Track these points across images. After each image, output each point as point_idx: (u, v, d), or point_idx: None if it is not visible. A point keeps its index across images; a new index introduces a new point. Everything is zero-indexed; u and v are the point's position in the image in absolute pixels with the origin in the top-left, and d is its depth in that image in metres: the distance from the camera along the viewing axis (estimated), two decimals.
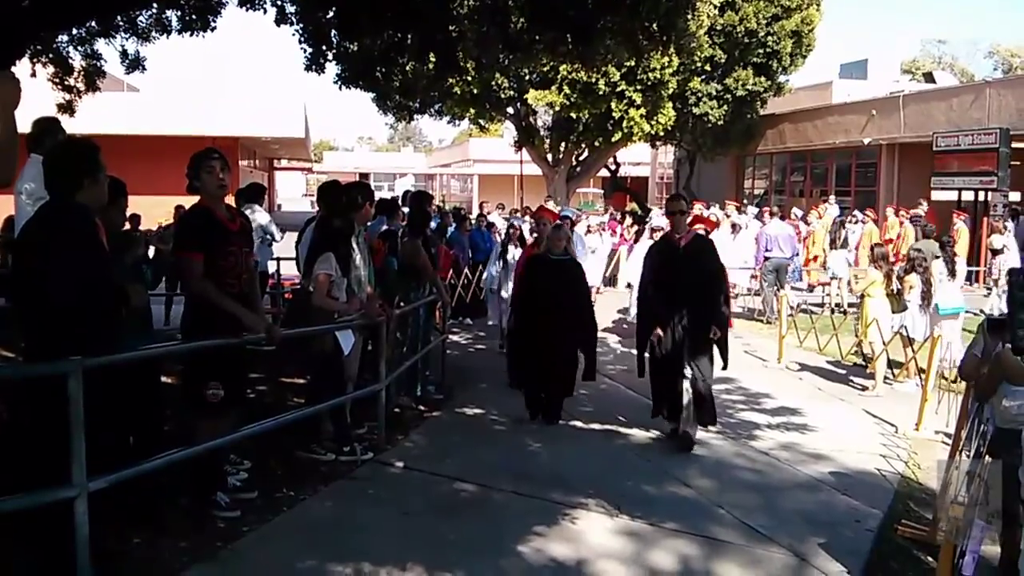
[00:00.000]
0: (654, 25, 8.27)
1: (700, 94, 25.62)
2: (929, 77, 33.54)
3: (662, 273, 7.39)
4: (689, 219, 7.88)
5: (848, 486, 6.27)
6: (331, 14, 9.06)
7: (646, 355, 7.70)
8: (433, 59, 10.21)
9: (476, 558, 4.77)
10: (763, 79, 25.92)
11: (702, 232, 8.54)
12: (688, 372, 7.16)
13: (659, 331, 7.24)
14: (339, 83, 12.60)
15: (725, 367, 7.66)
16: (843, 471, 6.65)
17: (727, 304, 7.79)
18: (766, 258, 15.04)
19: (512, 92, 25.70)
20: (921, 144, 23.13)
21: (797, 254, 16.53)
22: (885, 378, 9.79)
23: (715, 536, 5.23)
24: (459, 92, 23.79)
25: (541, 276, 7.98)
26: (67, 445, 3.65)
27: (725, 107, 25.95)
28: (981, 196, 21.32)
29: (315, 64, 10.09)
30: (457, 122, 29.60)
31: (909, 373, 9.88)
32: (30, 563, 4.00)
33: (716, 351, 7.40)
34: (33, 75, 9.65)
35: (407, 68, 11.39)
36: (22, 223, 5.69)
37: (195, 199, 5.12)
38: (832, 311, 14.62)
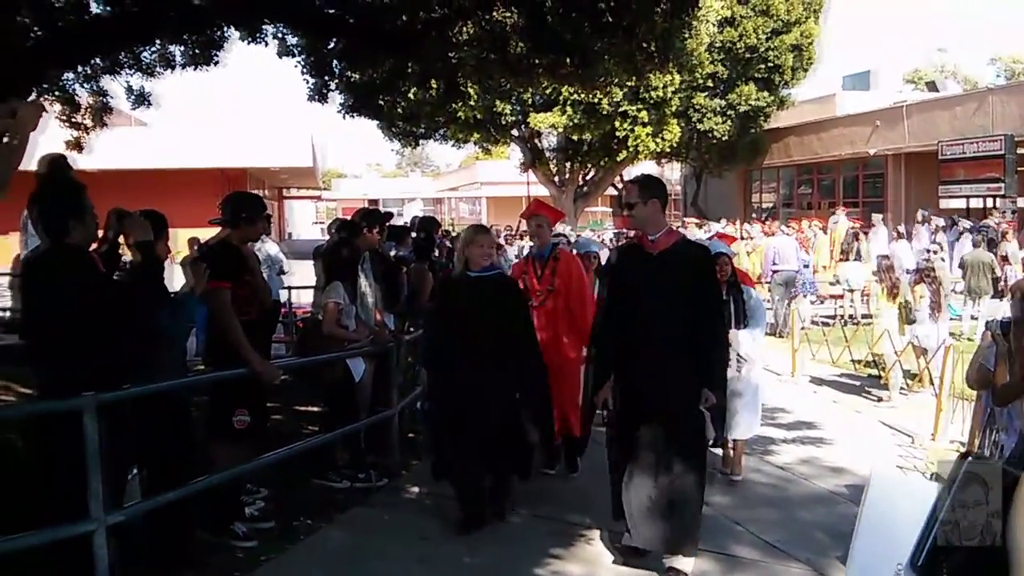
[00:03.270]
0: (652, 46, 8.30)
1: (704, 110, 25.72)
2: (932, 86, 33.54)
3: (622, 295, 4.96)
4: (691, 229, 6.54)
5: None
6: (332, 45, 9.14)
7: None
8: (435, 86, 10.29)
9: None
10: (766, 94, 26.03)
11: (711, 242, 7.27)
12: (658, 477, 4.75)
13: (606, 396, 4.93)
14: (343, 112, 12.70)
15: (716, 442, 5.60)
16: (861, 483, 6.55)
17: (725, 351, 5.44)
18: (774, 271, 15.02)
19: (516, 116, 25.82)
20: (927, 153, 23.16)
21: (807, 265, 16.50)
22: (900, 388, 9.75)
23: (732, 553, 5.22)
24: (463, 117, 23.94)
25: (454, 305, 5.48)
26: (84, 480, 3.67)
27: (730, 123, 26.04)
28: (989, 203, 21.28)
29: (318, 94, 10.17)
30: (461, 146, 29.74)
31: (924, 383, 9.84)
32: None
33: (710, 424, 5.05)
34: (43, 111, 9.74)
35: (410, 95, 11.48)
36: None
37: (210, 229, 5.20)
38: (845, 323, 14.58)
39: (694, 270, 4.88)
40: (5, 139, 3.36)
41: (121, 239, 5.03)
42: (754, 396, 6.68)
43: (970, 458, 1.38)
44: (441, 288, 5.96)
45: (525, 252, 9.34)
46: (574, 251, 7.76)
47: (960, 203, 21.98)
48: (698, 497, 4.88)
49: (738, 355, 6.41)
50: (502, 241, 17.51)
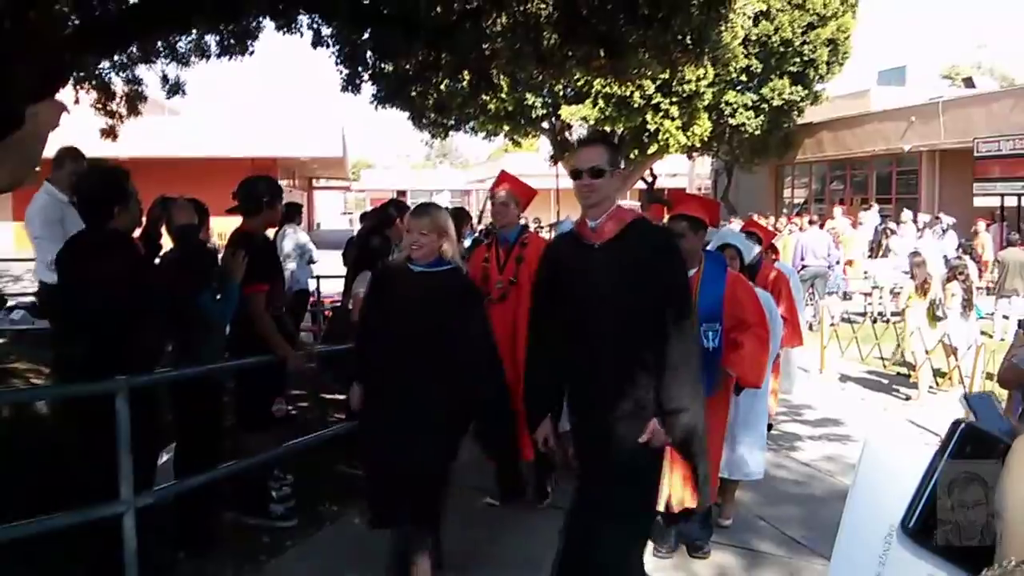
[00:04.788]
0: (687, 38, 8.28)
1: (736, 105, 25.54)
2: (969, 82, 33.12)
3: (551, 304, 3.83)
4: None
5: None
6: (366, 35, 9.17)
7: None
8: (467, 77, 10.31)
9: (516, 570, 4.78)
10: (800, 88, 25.78)
11: (723, 231, 6.30)
12: (569, 541, 3.73)
13: (545, 435, 3.84)
14: (375, 103, 12.72)
15: (699, 507, 4.57)
16: None
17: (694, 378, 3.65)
18: (803, 267, 14.92)
19: (547, 108, 25.79)
20: (962, 150, 22.87)
21: (839, 262, 16.40)
22: (929, 387, 9.68)
23: (755, 548, 5.21)
24: (493, 109, 23.93)
25: (387, 304, 4.24)
26: (114, 462, 3.74)
27: (762, 117, 25.84)
28: None
29: (351, 85, 10.20)
30: (492, 138, 29.76)
31: (953, 382, 9.76)
32: None
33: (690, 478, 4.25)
34: (76, 102, 9.87)
35: (441, 87, 11.50)
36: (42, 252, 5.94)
37: (233, 219, 5.21)
38: (874, 320, 14.48)
39: (649, 265, 3.58)
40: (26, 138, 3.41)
41: (162, 227, 5.12)
42: (755, 429, 5.40)
43: (963, 424, 1.39)
44: (374, 280, 4.51)
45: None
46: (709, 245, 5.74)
47: (995, 201, 21.70)
48: None
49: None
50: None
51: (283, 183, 34.06)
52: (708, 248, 5.29)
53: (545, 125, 27.80)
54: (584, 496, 3.75)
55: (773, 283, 6.89)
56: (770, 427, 6.75)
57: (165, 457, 5.00)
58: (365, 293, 4.86)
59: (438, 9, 8.13)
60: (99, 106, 10.43)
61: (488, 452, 4.75)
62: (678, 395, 3.51)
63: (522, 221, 5.64)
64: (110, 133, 10.55)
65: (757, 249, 6.85)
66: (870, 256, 17.93)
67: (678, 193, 6.76)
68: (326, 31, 9.38)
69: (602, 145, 3.81)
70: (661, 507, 4.49)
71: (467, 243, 11.56)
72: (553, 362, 3.78)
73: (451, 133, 28.33)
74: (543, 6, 8.16)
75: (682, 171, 40.72)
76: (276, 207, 5.29)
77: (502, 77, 12.02)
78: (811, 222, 17.06)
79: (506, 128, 27.41)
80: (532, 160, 44.28)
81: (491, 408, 4.17)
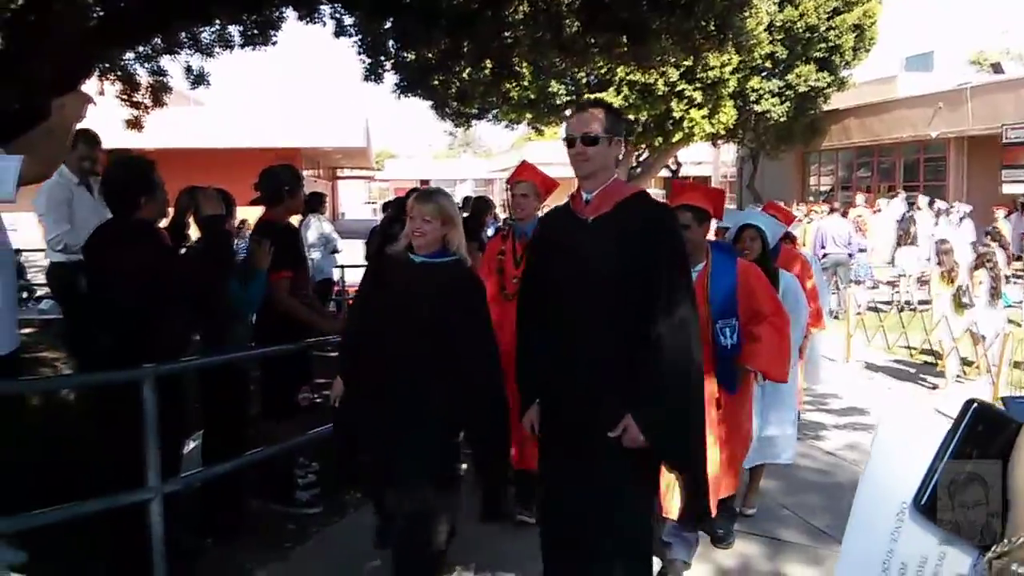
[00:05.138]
0: (710, 24, 8.24)
1: (761, 91, 25.36)
2: (997, 68, 32.67)
3: (542, 284, 3.55)
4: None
5: None
6: (387, 25, 9.18)
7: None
8: (489, 65, 10.29)
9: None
10: (825, 74, 25.57)
11: (745, 212, 6.12)
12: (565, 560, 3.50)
13: (532, 421, 3.59)
14: (397, 92, 12.73)
15: (697, 524, 4.43)
16: None
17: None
18: (824, 255, 14.79)
19: (570, 96, 25.72)
20: (990, 137, 22.62)
21: (863, 250, 16.26)
22: (956, 376, 9.59)
23: (778, 536, 5.19)
24: (516, 97, 23.89)
25: (384, 294, 3.96)
26: (141, 450, 3.78)
27: (787, 104, 25.66)
28: None
29: (373, 74, 10.22)
30: (514, 127, 29.71)
31: (981, 370, 9.66)
32: (107, 563, 4.16)
33: (677, 489, 4.10)
34: (101, 93, 9.94)
35: (463, 75, 11.49)
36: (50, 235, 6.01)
37: (255, 209, 5.24)
38: (901, 309, 14.35)
39: (644, 241, 3.26)
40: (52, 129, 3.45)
41: (189, 218, 5.16)
42: (782, 411, 5.28)
43: (976, 403, 1.39)
44: (372, 271, 4.31)
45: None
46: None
47: (1022, 188, 21.44)
48: None
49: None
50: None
51: (307, 173, 34.33)
52: (728, 230, 5.32)
53: (568, 113, 27.73)
54: (576, 495, 3.36)
55: (794, 267, 6.49)
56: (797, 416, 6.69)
57: (192, 445, 5.06)
58: (360, 284, 4.48)
59: None
60: (124, 97, 10.50)
61: (478, 462, 4.36)
62: (660, 386, 3.19)
63: (539, 213, 5.14)
64: (135, 124, 10.62)
65: (782, 231, 6.33)
66: (898, 244, 17.77)
67: (679, 183, 6.65)
68: (348, 20, 9.40)
69: (600, 109, 3.38)
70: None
71: (490, 232, 11.56)
72: (545, 345, 3.46)
73: (473, 122, 28.29)
74: None
75: (707, 159, 40.56)
76: (297, 195, 5.32)
77: (524, 65, 11.99)
78: (833, 209, 16.88)
79: (528, 116, 27.35)
80: (555, 149, 44.17)
81: (486, 414, 3.81)
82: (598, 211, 3.34)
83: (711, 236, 4.83)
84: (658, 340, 3.18)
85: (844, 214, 16.89)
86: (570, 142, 3.35)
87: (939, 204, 18.49)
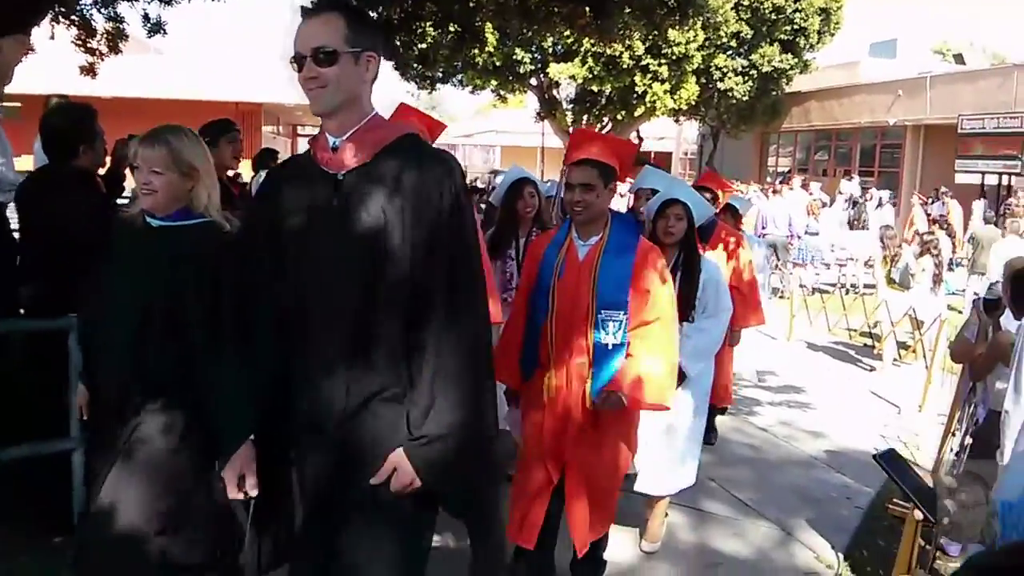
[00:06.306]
0: (671, 0, 8.28)
1: (725, 69, 25.47)
2: (960, 59, 33.13)
3: (267, 261, 2.36)
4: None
5: (843, 464, 6.32)
6: None
7: None
8: (453, 29, 10.26)
9: None
10: (789, 56, 25.75)
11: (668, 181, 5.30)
12: None
13: (233, 474, 2.36)
14: None
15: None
16: (840, 450, 6.70)
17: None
18: (763, 235, 14.96)
19: (535, 64, 25.65)
20: (947, 126, 22.98)
21: (815, 233, 16.47)
22: (893, 360, 9.83)
23: (703, 508, 5.31)
24: (481, 63, 23.78)
25: (117, 269, 3.02)
26: (65, 399, 3.80)
27: (750, 83, 25.81)
28: (1005, 180, 21.18)
29: None
30: (478, 92, 29.56)
31: (917, 355, 9.90)
32: (31, 511, 4.16)
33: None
34: (52, 37, 9.74)
35: (427, 37, 11.45)
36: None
37: None
38: (847, 291, 14.61)
39: (414, 203, 2.27)
40: None
41: (126, 168, 5.10)
42: (688, 437, 4.51)
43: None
44: (107, 243, 3.11)
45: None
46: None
47: (975, 179, 21.86)
48: None
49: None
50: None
51: (266, 129, 33.92)
52: (651, 205, 4.50)
53: (533, 82, 27.64)
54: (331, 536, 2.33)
55: (732, 251, 6.05)
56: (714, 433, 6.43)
57: None
58: (93, 259, 3.22)
59: None
60: (79, 43, 10.31)
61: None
62: (438, 414, 2.24)
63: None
64: (89, 71, 10.43)
65: (710, 213, 5.38)
66: (849, 227, 18.06)
67: (578, 132, 4.25)
68: None
69: (337, 14, 2.30)
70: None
71: None
72: (256, 360, 2.36)
73: (438, 86, 28.12)
74: None
75: (670, 135, 40.64)
76: (223, 149, 5.09)
77: (490, 30, 11.98)
78: (775, 191, 17.11)
79: (493, 83, 27.24)
80: (519, 117, 44.05)
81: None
82: (351, 162, 2.33)
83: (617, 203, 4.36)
84: (435, 350, 2.26)
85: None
86: (298, 62, 2.31)
87: (851, 189, 18.89)
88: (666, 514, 4.85)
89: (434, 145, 3.27)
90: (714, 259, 5.34)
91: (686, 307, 4.29)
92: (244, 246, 2.50)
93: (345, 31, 2.28)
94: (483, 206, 10.56)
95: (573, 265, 3.66)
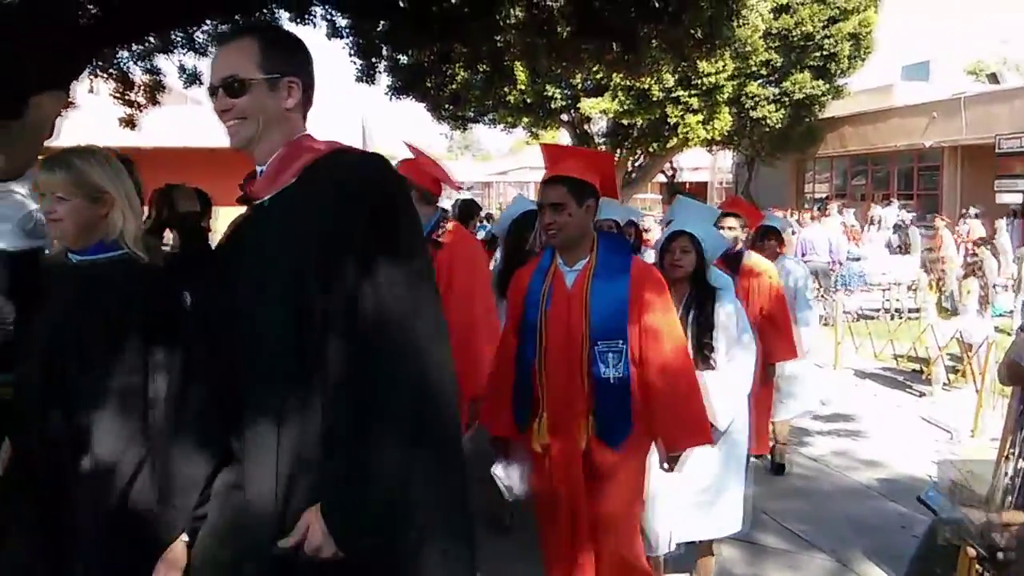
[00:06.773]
0: (699, 32, 8.28)
1: (758, 98, 25.41)
2: (994, 78, 32.77)
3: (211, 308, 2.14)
4: None
5: (897, 493, 6.18)
6: (380, 27, 9.22)
7: None
8: (484, 69, 10.35)
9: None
10: (821, 82, 25.61)
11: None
12: None
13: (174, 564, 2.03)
14: (390, 94, 12.79)
15: None
16: (894, 478, 6.56)
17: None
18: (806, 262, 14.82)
19: (566, 100, 25.75)
20: (984, 146, 22.70)
21: (856, 258, 16.30)
22: (943, 384, 9.64)
23: (757, 541, 5.22)
24: (512, 101, 23.93)
25: (38, 312, 2.60)
26: None
27: (783, 111, 25.71)
28: None
29: (366, 76, 10.28)
30: (510, 131, 29.75)
31: (967, 378, 9.71)
32: None
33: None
34: (90, 91, 9.96)
35: (457, 78, 11.56)
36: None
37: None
38: (892, 317, 14.40)
39: (340, 226, 1.95)
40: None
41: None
42: (717, 491, 4.14)
43: None
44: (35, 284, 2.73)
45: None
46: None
47: (1016, 198, 21.51)
48: None
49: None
50: None
51: None
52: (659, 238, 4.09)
53: (565, 118, 27.76)
54: None
55: (759, 281, 5.55)
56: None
57: None
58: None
59: (451, 1, 8.17)
60: (118, 95, 10.54)
61: None
62: (365, 463, 1.85)
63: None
64: (129, 122, 10.65)
65: (732, 236, 5.29)
66: (891, 252, 17.84)
67: (553, 147, 3.57)
68: (341, 22, 9.44)
69: (249, 38, 2.11)
70: None
71: (480, 236, 11.52)
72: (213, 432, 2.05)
73: (470, 125, 28.33)
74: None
75: (704, 164, 40.58)
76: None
77: (520, 68, 12.06)
78: (812, 218, 16.95)
79: (525, 120, 27.38)
80: None
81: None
82: (274, 186, 2.10)
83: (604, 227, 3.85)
84: (362, 391, 1.87)
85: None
86: (211, 93, 2.13)
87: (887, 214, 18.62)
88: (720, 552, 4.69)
89: (469, 183, 3.29)
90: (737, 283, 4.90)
91: (702, 351, 3.91)
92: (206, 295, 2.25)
93: (258, 57, 2.06)
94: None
95: (561, 294, 3.33)
